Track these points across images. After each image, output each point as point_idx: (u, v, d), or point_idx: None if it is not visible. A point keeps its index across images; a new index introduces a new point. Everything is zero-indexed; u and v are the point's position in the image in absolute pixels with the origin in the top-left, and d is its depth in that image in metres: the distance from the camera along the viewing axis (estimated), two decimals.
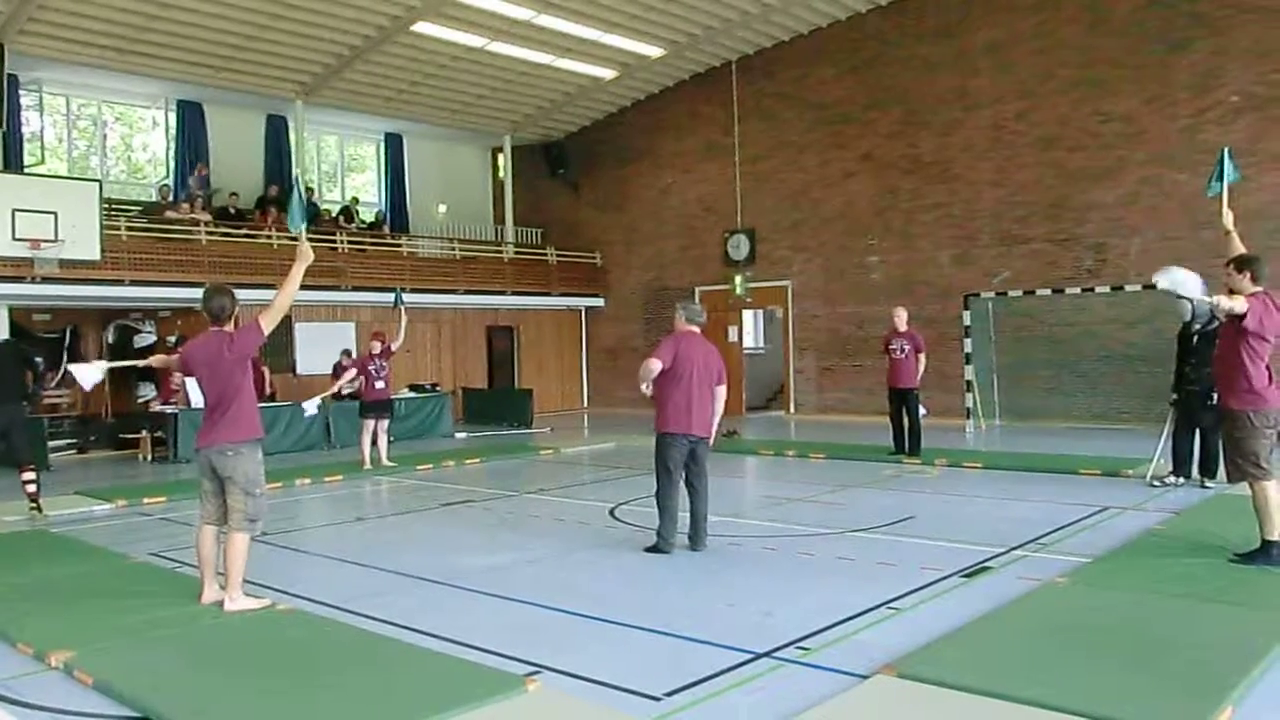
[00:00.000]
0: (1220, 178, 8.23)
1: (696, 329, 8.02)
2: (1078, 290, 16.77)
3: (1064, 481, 10.88)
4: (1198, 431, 10.17)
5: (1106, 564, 6.93)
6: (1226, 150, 8.42)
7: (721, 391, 7.99)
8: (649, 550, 7.84)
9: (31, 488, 10.03)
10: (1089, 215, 16.98)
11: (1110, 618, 5.58)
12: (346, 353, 16.30)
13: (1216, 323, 8.85)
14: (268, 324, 6.10)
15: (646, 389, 7.83)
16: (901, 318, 13.32)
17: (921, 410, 13.16)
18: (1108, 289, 16.42)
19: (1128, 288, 16.11)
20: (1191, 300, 8.77)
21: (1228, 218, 7.77)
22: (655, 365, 7.62)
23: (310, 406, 13.58)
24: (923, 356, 13.13)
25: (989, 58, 18.01)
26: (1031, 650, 5.04)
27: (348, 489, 12.17)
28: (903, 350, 13.07)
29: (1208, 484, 10.05)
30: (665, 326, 20.50)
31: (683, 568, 7.44)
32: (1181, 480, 10.23)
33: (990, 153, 18.05)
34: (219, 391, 6.17)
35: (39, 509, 10.03)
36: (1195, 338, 9.97)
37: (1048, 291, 17.06)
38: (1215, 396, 8.11)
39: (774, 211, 21.08)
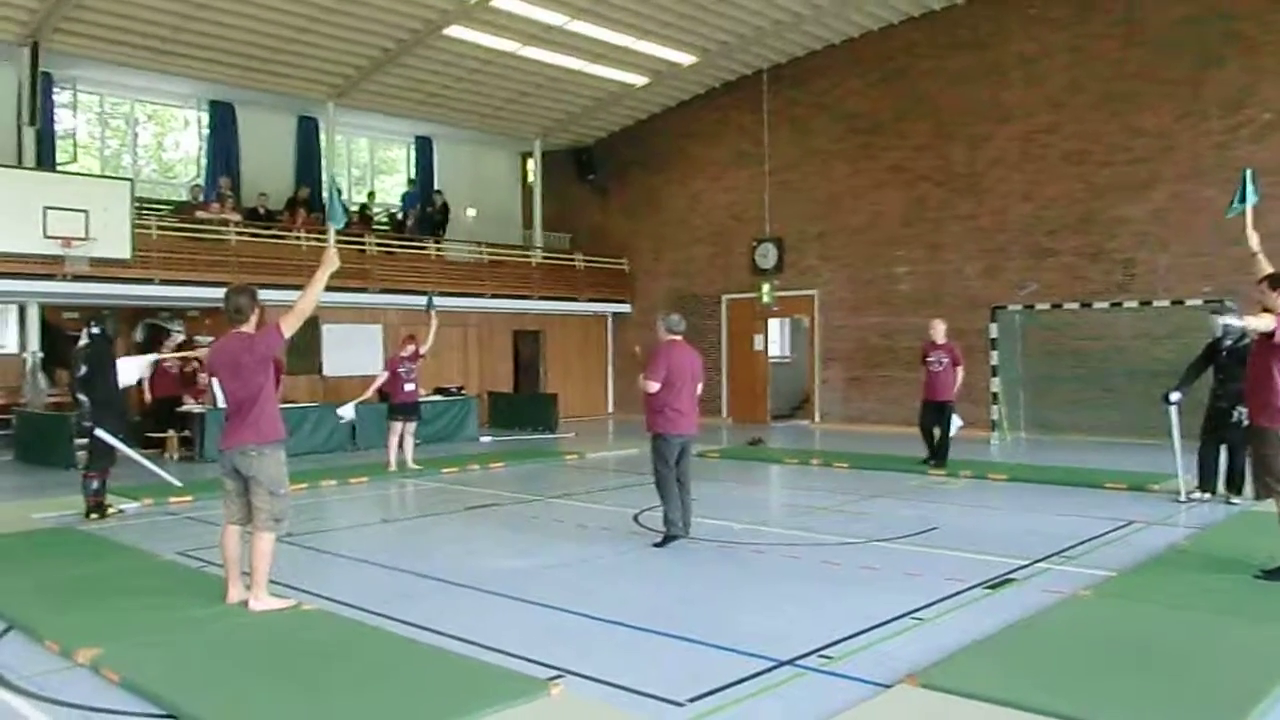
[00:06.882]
0: (1242, 199, 8.21)
1: (679, 337, 8.71)
2: (1106, 305, 16.66)
3: (1089, 495, 10.82)
4: (1225, 447, 10.11)
5: (1131, 578, 6.91)
6: (1249, 172, 8.39)
7: (699, 389, 8.82)
8: (660, 545, 8.30)
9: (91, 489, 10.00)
10: (1119, 230, 16.87)
11: (1134, 632, 5.57)
12: None
13: (1246, 340, 8.81)
14: (288, 327, 6.09)
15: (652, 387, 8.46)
16: (939, 330, 13.19)
17: (958, 422, 13.06)
18: (1136, 304, 16.31)
19: (1156, 303, 15.99)
20: (1228, 322, 8.82)
21: (1253, 239, 7.81)
22: (652, 387, 8.41)
23: (347, 412, 13.66)
24: (960, 369, 13.03)
25: (1021, 70, 17.93)
26: (1054, 662, 5.03)
27: (373, 491, 12.23)
28: (941, 363, 12.97)
29: (1234, 500, 9.97)
30: (693, 334, 20.50)
31: (707, 574, 7.46)
32: (1208, 496, 10.17)
33: (1021, 165, 17.96)
34: (240, 393, 6.17)
35: (97, 513, 10.00)
36: (1224, 353, 9.89)
37: (1075, 305, 16.94)
38: (1240, 413, 8.07)
39: (802, 220, 21.05)
